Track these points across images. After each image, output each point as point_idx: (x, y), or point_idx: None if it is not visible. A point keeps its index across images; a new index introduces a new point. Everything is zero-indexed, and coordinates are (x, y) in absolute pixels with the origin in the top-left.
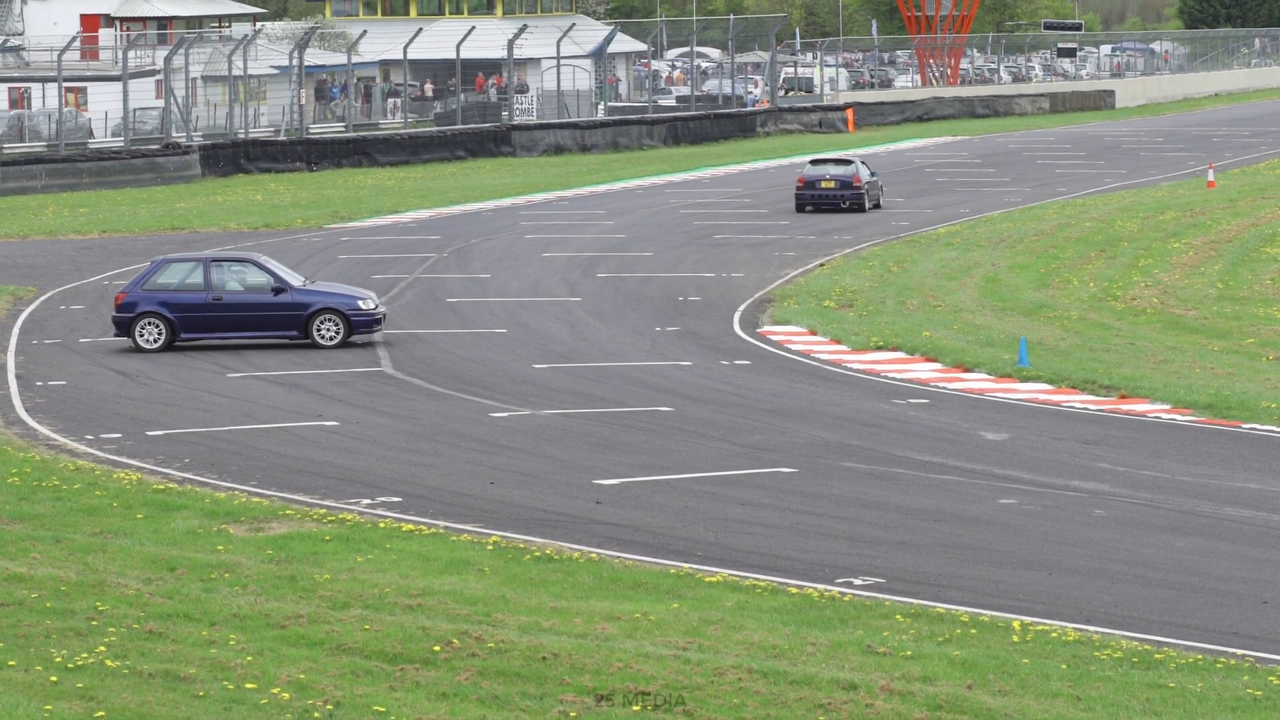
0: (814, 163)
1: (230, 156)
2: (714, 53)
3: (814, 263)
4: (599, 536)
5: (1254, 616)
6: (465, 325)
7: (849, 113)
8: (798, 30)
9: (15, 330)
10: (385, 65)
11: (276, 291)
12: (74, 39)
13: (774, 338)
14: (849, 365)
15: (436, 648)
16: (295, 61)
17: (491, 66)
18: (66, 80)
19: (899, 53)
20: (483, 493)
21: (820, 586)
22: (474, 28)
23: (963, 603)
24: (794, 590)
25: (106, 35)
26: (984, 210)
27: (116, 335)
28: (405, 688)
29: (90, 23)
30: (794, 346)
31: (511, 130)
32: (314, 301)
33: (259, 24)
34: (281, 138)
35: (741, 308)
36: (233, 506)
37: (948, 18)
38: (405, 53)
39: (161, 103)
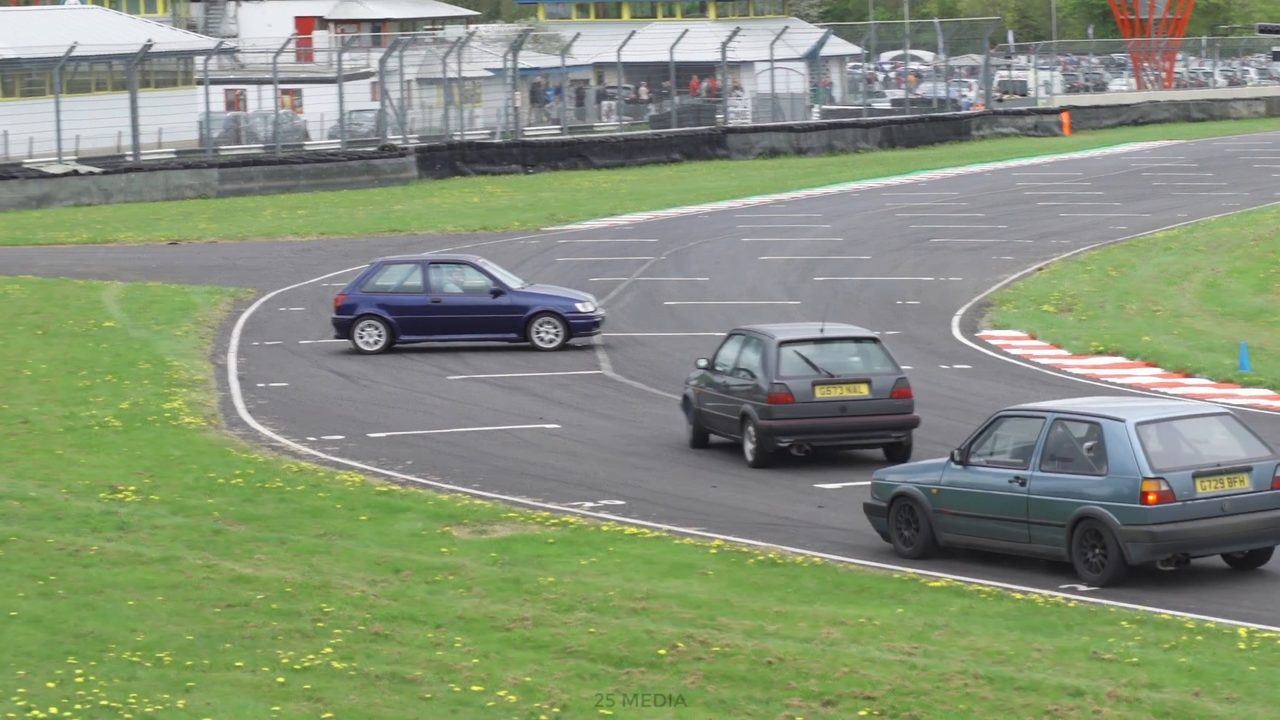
0: None
1: (446, 159)
2: (927, 55)
3: (1032, 267)
4: (822, 541)
5: None
6: (684, 328)
7: (1064, 116)
8: (1010, 33)
9: (236, 332)
10: (599, 68)
11: (495, 294)
12: (288, 41)
13: (993, 342)
14: (1069, 370)
15: (662, 651)
16: (509, 64)
17: (705, 69)
18: (281, 82)
19: (1113, 55)
20: (705, 496)
21: (1045, 592)
22: (687, 30)
23: (1189, 609)
24: (1018, 596)
25: (321, 37)
26: (1202, 215)
27: (336, 337)
28: (631, 691)
29: (304, 25)
30: (1013, 351)
31: (726, 133)
32: (533, 304)
33: (471, 26)
34: (497, 140)
35: (960, 312)
36: (456, 509)
37: (1161, 21)
38: (619, 55)
39: (376, 105)
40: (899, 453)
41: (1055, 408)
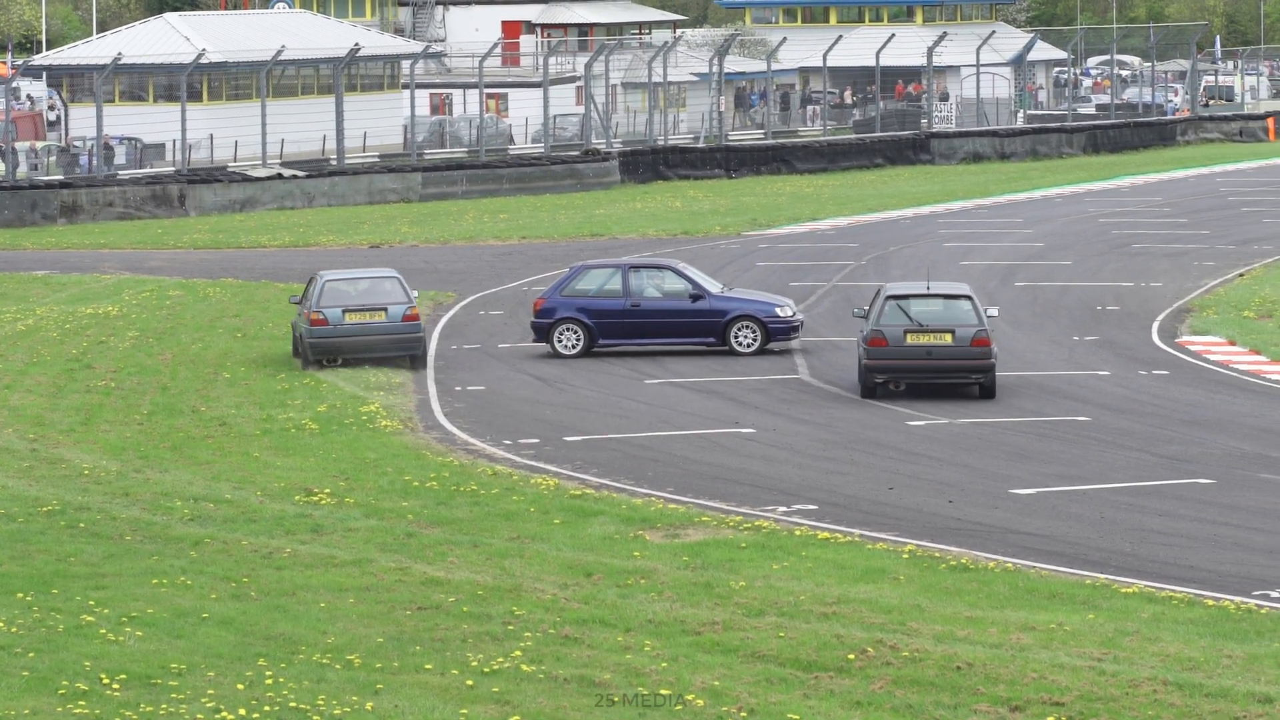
0: None
1: (649, 163)
2: (1133, 60)
3: (1233, 272)
4: (1015, 546)
5: None
6: None
7: (1270, 121)
8: (1218, 38)
9: (435, 335)
10: (804, 72)
11: (694, 298)
12: (495, 45)
13: (1192, 348)
14: (1268, 376)
15: (851, 656)
16: (715, 68)
17: (910, 74)
18: (487, 87)
19: None
20: (899, 501)
21: (1237, 599)
22: (894, 35)
23: None
24: (1210, 602)
25: (527, 42)
26: None
27: (535, 341)
28: (819, 695)
29: (511, 29)
30: (1212, 357)
31: (930, 138)
32: (731, 308)
33: (679, 31)
34: (700, 145)
35: (1160, 317)
36: (649, 513)
37: None
38: (825, 60)
39: (581, 109)
40: (983, 392)
41: (332, 274)
